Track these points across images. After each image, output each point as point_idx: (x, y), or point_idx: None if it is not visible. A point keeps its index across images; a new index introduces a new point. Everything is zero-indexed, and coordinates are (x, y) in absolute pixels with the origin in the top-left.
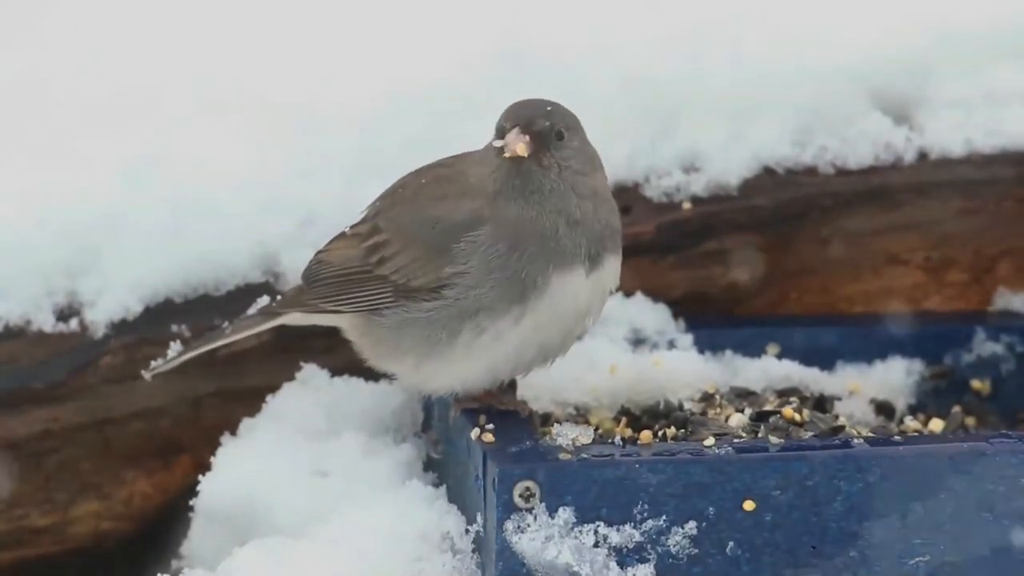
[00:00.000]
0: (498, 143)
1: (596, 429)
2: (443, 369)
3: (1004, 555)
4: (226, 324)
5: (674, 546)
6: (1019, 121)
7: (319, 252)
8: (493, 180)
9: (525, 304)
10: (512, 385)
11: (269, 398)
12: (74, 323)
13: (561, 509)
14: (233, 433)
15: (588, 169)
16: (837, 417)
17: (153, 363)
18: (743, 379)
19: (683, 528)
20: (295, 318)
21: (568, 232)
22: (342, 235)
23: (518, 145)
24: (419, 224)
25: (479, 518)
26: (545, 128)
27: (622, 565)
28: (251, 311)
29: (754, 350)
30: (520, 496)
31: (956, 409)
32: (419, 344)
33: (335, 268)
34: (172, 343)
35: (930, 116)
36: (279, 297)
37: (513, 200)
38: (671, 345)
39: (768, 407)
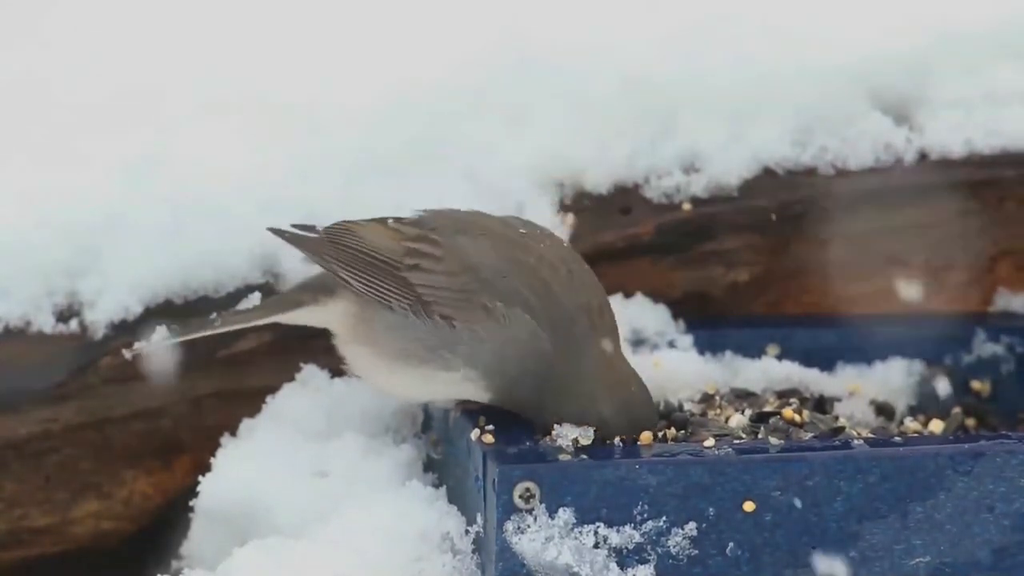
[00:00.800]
0: None
1: (596, 429)
2: (420, 382)
3: (1004, 555)
4: (215, 315)
5: (674, 547)
6: (1019, 121)
7: (350, 221)
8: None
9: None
10: None
11: (269, 398)
12: (74, 323)
13: (561, 510)
14: (233, 433)
15: None
16: (837, 418)
17: (137, 344)
18: (743, 380)
19: (683, 529)
20: (287, 317)
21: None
22: (383, 220)
23: None
24: (492, 263)
25: (479, 519)
26: None
27: (622, 566)
28: (241, 306)
29: (754, 350)
30: (520, 497)
31: (956, 410)
32: (400, 355)
33: (365, 244)
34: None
35: (930, 116)
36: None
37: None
38: (671, 345)
39: (768, 408)
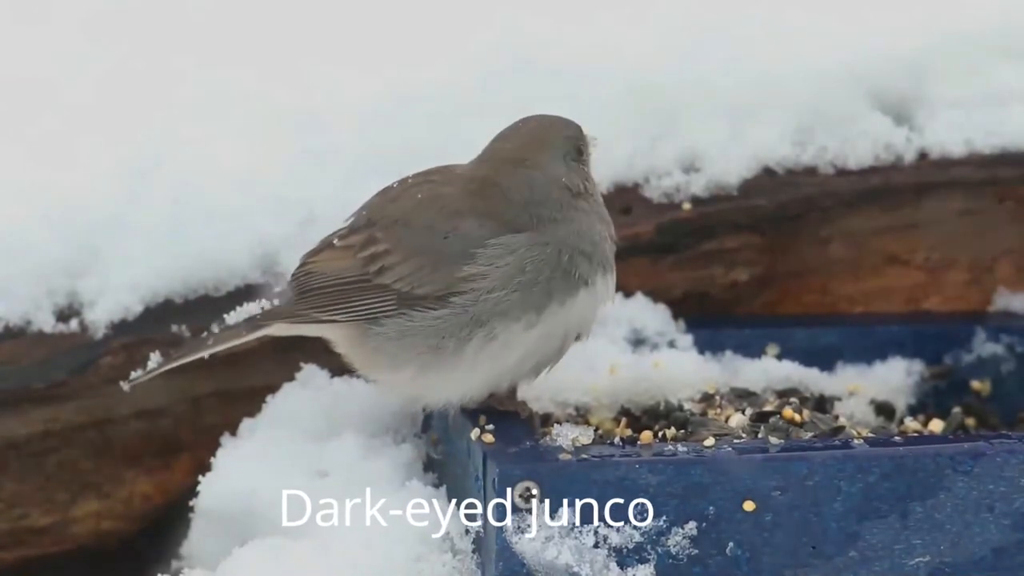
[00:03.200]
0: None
1: (596, 429)
2: (444, 380)
3: (1004, 555)
4: (206, 334)
5: (674, 546)
6: (1019, 121)
7: (305, 263)
8: (554, 204)
9: (541, 312)
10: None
11: (269, 398)
12: (74, 323)
13: (561, 510)
14: (233, 433)
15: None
16: (837, 418)
17: (133, 374)
18: (743, 379)
19: (683, 528)
20: (281, 328)
21: (608, 245)
22: (330, 246)
23: None
24: (427, 235)
25: (479, 519)
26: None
27: (622, 566)
28: (231, 320)
29: (754, 350)
30: (520, 496)
31: (956, 409)
32: (422, 354)
33: (329, 278)
34: (156, 352)
35: (930, 116)
36: (263, 307)
37: (572, 212)
38: (671, 345)
39: (768, 407)
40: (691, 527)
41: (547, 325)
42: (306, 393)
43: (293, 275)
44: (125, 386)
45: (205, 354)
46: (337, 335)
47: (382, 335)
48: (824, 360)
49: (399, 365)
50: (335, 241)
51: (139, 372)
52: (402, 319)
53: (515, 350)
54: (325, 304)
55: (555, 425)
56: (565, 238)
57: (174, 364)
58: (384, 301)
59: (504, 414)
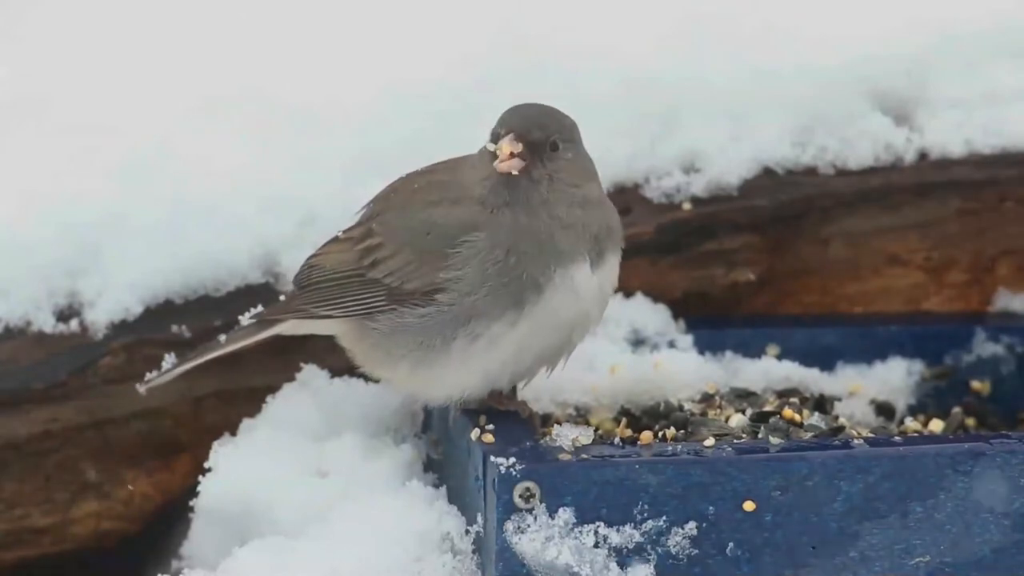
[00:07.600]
0: (491, 147)
1: (596, 430)
2: (439, 377)
3: (1004, 555)
4: (222, 336)
5: (674, 546)
6: (1019, 121)
7: (311, 256)
8: (482, 185)
9: (521, 309)
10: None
11: (269, 399)
12: (74, 323)
13: (561, 510)
14: (233, 433)
15: (580, 181)
16: (837, 418)
17: (148, 375)
18: (743, 380)
19: (683, 528)
20: (290, 327)
21: (564, 235)
22: (335, 239)
23: (512, 162)
24: (413, 229)
25: (479, 519)
26: (539, 139)
27: (622, 566)
28: (245, 320)
29: (754, 350)
30: (520, 497)
31: (956, 409)
32: (413, 351)
33: (327, 272)
34: (168, 353)
35: (930, 116)
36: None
37: (504, 207)
38: (671, 345)
39: (768, 408)
40: (691, 527)
41: (531, 322)
42: (306, 393)
43: (300, 268)
44: (141, 388)
45: (220, 353)
46: (338, 330)
47: (377, 331)
48: (824, 360)
49: (394, 362)
50: (340, 234)
51: (154, 373)
52: (393, 315)
53: (502, 348)
54: (321, 299)
55: (555, 425)
56: (510, 239)
57: (190, 365)
58: (376, 296)
59: (504, 414)
